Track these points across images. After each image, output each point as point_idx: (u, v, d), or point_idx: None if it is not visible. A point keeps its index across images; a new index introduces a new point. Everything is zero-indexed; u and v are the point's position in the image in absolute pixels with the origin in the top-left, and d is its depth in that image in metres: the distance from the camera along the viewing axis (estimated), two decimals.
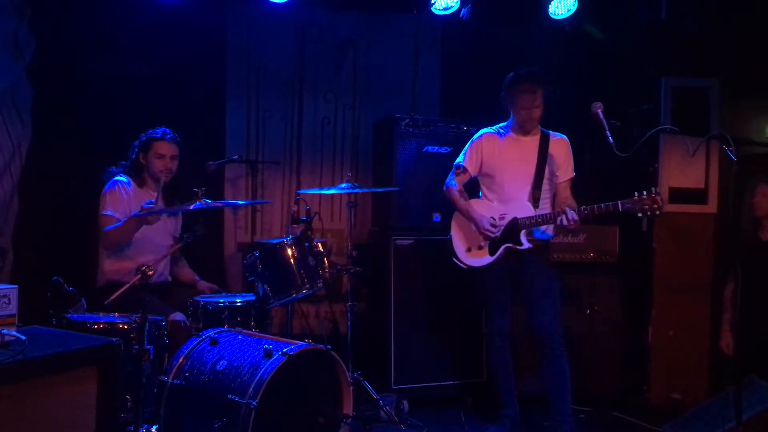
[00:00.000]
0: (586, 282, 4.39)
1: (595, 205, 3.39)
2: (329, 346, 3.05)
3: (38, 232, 4.34)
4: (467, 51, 5.16)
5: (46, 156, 4.38)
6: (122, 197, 3.72)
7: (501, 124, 3.81)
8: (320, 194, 4.91)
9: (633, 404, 4.27)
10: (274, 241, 3.75)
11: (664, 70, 4.43)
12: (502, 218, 3.63)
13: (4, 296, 2.24)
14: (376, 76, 5.17)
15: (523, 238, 3.57)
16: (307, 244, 3.53)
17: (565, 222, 3.41)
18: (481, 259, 3.69)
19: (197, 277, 4.07)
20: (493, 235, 3.60)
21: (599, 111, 3.32)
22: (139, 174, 3.84)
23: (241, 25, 4.93)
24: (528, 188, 3.65)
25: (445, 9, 4.43)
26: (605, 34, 4.67)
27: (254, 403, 2.70)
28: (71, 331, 2.82)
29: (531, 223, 3.56)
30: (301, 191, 4.59)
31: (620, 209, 3.33)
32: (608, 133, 3.27)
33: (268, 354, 2.87)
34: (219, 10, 4.81)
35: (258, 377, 2.78)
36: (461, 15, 4.45)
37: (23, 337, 2.14)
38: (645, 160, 4.40)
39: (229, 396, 2.77)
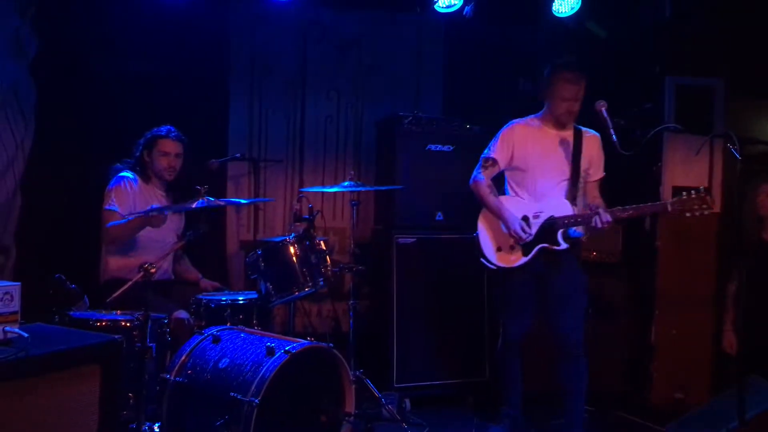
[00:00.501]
0: (588, 281, 4.37)
1: (641, 205, 3.26)
2: (331, 345, 3.05)
3: (41, 230, 4.35)
4: (470, 49, 5.15)
5: (49, 154, 4.38)
6: (127, 193, 3.72)
7: (532, 116, 3.62)
8: (323, 192, 4.91)
9: (636, 404, 4.26)
10: (277, 239, 3.74)
11: (668, 68, 4.42)
12: (537, 216, 3.44)
13: (7, 293, 2.23)
14: (378, 75, 5.16)
15: (560, 238, 3.39)
16: (309, 242, 3.53)
17: (599, 224, 3.25)
18: (513, 259, 3.47)
19: (200, 275, 4.07)
20: (523, 240, 3.40)
21: (603, 109, 3.32)
22: (144, 171, 3.85)
23: (244, 24, 4.93)
24: (564, 185, 3.49)
25: (448, 7, 4.42)
26: (608, 33, 4.66)
27: (256, 401, 2.70)
28: (74, 329, 2.81)
29: (570, 223, 3.38)
30: (304, 189, 4.57)
31: (668, 209, 3.19)
32: (612, 132, 3.27)
33: (270, 352, 2.86)
34: (222, 8, 4.80)
35: (260, 375, 2.78)
36: (464, 13, 4.45)
37: (26, 335, 2.14)
38: (648, 158, 4.40)
39: (232, 394, 2.77)
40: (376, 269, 4.41)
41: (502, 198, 3.60)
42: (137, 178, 3.81)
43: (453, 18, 4.54)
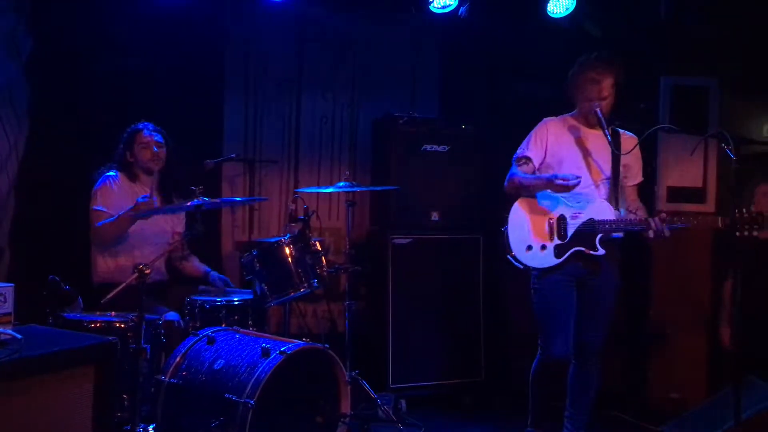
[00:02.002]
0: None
1: (692, 217, 3.13)
2: (327, 345, 3.05)
3: (35, 231, 4.32)
4: (466, 49, 5.15)
5: (43, 154, 4.36)
6: (113, 191, 3.73)
7: (567, 114, 3.46)
8: (318, 193, 4.90)
9: (632, 404, 4.26)
10: (272, 240, 3.73)
11: (663, 68, 4.42)
12: (575, 217, 3.24)
13: (1, 295, 2.23)
14: (374, 75, 5.15)
15: (598, 243, 3.21)
16: (304, 243, 3.52)
17: (652, 235, 3.11)
18: (544, 260, 3.25)
19: (208, 269, 4.04)
20: (573, 183, 3.12)
21: (598, 109, 3.31)
22: (129, 169, 3.86)
23: (240, 23, 4.91)
24: (605, 187, 3.33)
25: (444, 7, 4.42)
26: (604, 33, 4.67)
27: (252, 402, 2.70)
28: (68, 330, 2.80)
29: (611, 228, 3.22)
30: (299, 190, 4.57)
31: (719, 225, 3.06)
32: (607, 132, 3.27)
33: (265, 353, 2.86)
34: (217, 7, 4.78)
35: (255, 376, 2.77)
36: (459, 13, 4.45)
37: (20, 336, 2.13)
38: (643, 158, 4.39)
39: (227, 395, 2.76)
40: (371, 270, 4.40)
41: (538, 196, 3.33)
42: (121, 175, 3.83)
43: (449, 18, 4.53)
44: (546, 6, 4.42)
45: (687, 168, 4.35)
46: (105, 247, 3.72)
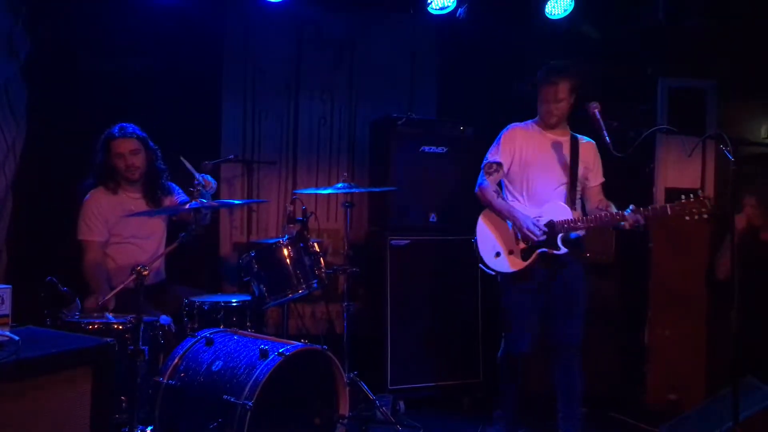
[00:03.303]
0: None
1: (650, 207, 3.28)
2: (325, 347, 3.04)
3: (32, 232, 4.32)
4: (464, 51, 5.16)
5: (41, 155, 4.35)
6: (96, 217, 3.66)
7: (529, 120, 3.62)
8: (316, 194, 4.89)
9: (630, 405, 4.26)
10: (270, 241, 3.73)
11: (662, 70, 4.43)
12: (536, 221, 3.42)
13: None
14: (372, 76, 5.16)
15: (560, 242, 3.38)
16: (303, 244, 3.52)
17: (628, 227, 3.28)
18: (512, 265, 3.44)
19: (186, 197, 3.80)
20: (537, 238, 3.35)
21: (596, 111, 3.32)
22: (111, 178, 3.71)
23: (238, 25, 4.92)
24: (563, 189, 3.50)
25: (442, 9, 4.43)
26: (602, 34, 4.67)
27: (250, 403, 2.69)
28: (65, 332, 2.80)
29: (570, 228, 3.38)
30: (297, 191, 4.57)
31: (669, 213, 3.22)
32: (605, 133, 3.28)
33: (263, 354, 2.85)
34: (216, 9, 4.79)
35: (254, 378, 2.77)
36: (457, 15, 4.45)
37: (17, 338, 2.13)
38: (642, 160, 4.41)
39: (225, 397, 2.75)
40: (370, 271, 4.40)
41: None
42: (102, 191, 3.71)
43: (447, 20, 4.54)
44: (544, 7, 4.43)
45: (685, 169, 4.36)
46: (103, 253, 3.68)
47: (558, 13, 4.44)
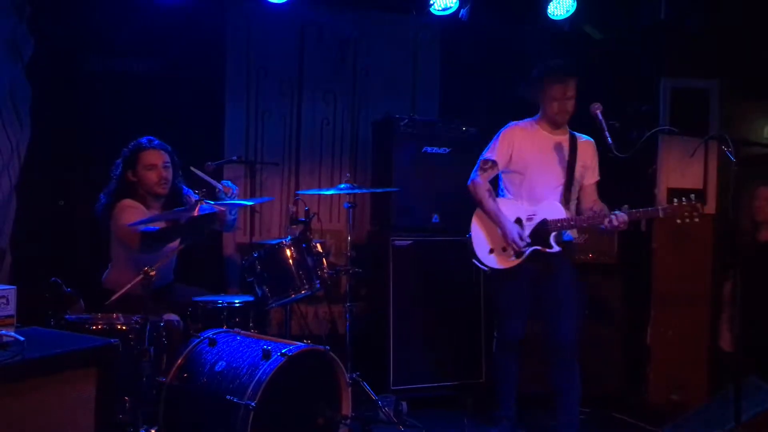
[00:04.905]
0: (585, 283, 4.38)
1: (642, 209, 3.32)
2: (328, 347, 3.05)
3: (36, 233, 4.33)
4: (466, 52, 5.16)
5: (45, 156, 4.37)
6: (137, 214, 3.40)
7: (529, 119, 3.64)
8: (319, 195, 4.90)
9: (632, 405, 4.27)
10: (273, 242, 3.74)
11: (664, 70, 4.43)
12: (530, 219, 3.49)
13: (3, 297, 2.23)
14: (375, 77, 5.16)
15: (553, 241, 3.43)
16: (305, 244, 3.53)
17: (615, 223, 3.29)
18: (505, 261, 3.51)
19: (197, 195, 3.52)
20: (520, 249, 3.43)
21: (598, 112, 3.32)
22: (133, 193, 3.49)
23: (241, 25, 4.92)
24: (559, 189, 3.53)
25: (444, 9, 4.43)
26: (604, 35, 4.67)
27: (253, 404, 2.70)
28: (69, 332, 2.81)
29: (563, 226, 3.43)
30: (300, 192, 4.58)
31: (660, 215, 3.28)
32: (607, 134, 3.28)
33: (266, 355, 2.86)
34: (219, 9, 4.80)
35: (257, 378, 2.78)
36: (460, 15, 4.46)
37: (22, 338, 2.14)
38: (644, 160, 4.40)
39: (228, 397, 2.76)
40: (372, 272, 4.41)
41: (499, 200, 3.61)
42: (134, 202, 3.47)
43: (449, 20, 4.54)
44: (546, 8, 4.43)
45: (687, 170, 4.36)
46: (130, 260, 3.43)
47: (560, 14, 4.44)
